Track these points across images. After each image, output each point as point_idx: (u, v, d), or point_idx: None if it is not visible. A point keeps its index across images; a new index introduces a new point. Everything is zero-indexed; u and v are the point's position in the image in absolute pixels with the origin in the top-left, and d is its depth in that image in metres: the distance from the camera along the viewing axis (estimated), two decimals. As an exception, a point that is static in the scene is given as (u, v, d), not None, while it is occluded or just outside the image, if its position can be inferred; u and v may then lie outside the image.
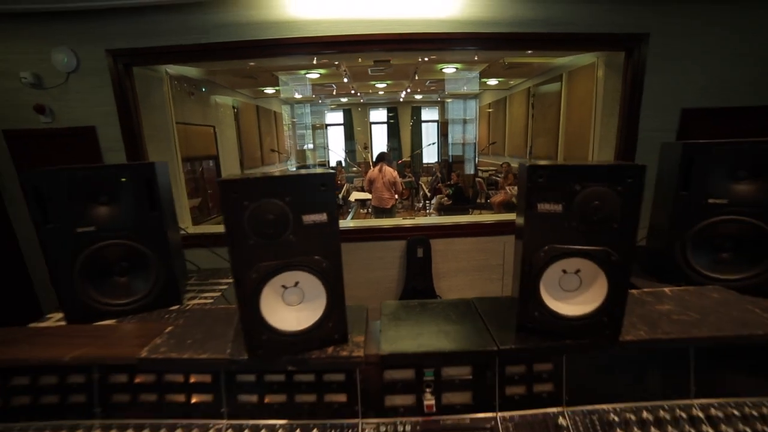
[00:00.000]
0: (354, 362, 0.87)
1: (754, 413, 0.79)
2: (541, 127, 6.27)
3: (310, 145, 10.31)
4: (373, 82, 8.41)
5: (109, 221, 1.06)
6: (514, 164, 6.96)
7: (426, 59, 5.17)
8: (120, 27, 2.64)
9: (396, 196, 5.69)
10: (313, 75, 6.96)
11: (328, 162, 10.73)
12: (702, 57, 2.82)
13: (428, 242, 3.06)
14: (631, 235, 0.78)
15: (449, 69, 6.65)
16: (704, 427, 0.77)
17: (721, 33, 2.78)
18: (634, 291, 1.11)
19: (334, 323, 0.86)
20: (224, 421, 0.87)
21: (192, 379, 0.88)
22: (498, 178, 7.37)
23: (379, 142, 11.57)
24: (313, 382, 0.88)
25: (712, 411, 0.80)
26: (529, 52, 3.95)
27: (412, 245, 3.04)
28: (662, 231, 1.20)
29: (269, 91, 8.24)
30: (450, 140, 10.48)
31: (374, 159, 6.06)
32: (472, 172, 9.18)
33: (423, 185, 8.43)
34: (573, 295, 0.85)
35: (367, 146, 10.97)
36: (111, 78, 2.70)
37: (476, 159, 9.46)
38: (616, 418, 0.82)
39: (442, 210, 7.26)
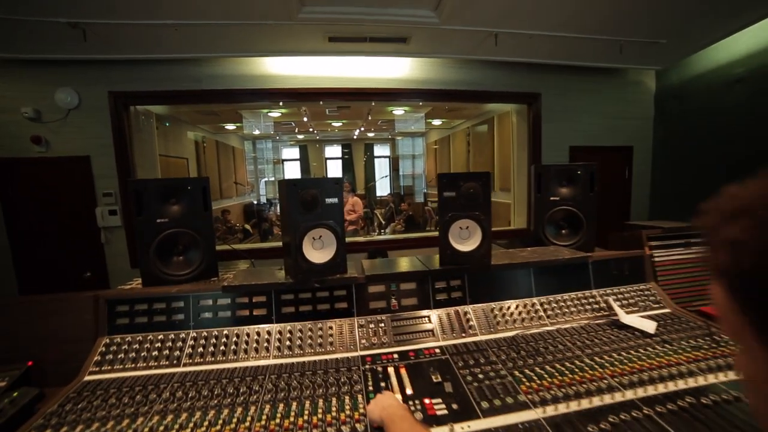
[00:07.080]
0: (352, 280, 1.43)
1: (566, 299, 1.51)
2: (478, 161, 7.32)
3: (272, 178, 10.73)
4: (330, 121, 9.22)
5: (177, 216, 1.54)
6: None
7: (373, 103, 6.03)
8: (121, 74, 3.09)
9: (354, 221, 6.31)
10: (275, 114, 7.57)
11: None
12: (577, 112, 3.90)
13: (386, 253, 3.67)
14: (488, 207, 1.47)
15: (399, 111, 7.64)
16: (540, 312, 1.46)
17: (587, 96, 3.91)
18: (514, 250, 1.81)
19: (340, 259, 1.41)
20: (274, 325, 1.36)
21: (254, 299, 1.38)
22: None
23: (335, 176, 12.32)
24: (327, 297, 1.40)
25: (544, 301, 1.51)
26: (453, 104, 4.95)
27: (372, 255, 3.63)
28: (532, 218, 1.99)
29: (230, 127, 8.64)
30: (401, 174, 11.50)
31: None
32: (422, 201, 10.15)
33: (378, 215, 9.13)
34: (465, 241, 1.50)
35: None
36: (110, 115, 3.10)
37: (425, 190, 10.47)
38: (497, 309, 1.48)
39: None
